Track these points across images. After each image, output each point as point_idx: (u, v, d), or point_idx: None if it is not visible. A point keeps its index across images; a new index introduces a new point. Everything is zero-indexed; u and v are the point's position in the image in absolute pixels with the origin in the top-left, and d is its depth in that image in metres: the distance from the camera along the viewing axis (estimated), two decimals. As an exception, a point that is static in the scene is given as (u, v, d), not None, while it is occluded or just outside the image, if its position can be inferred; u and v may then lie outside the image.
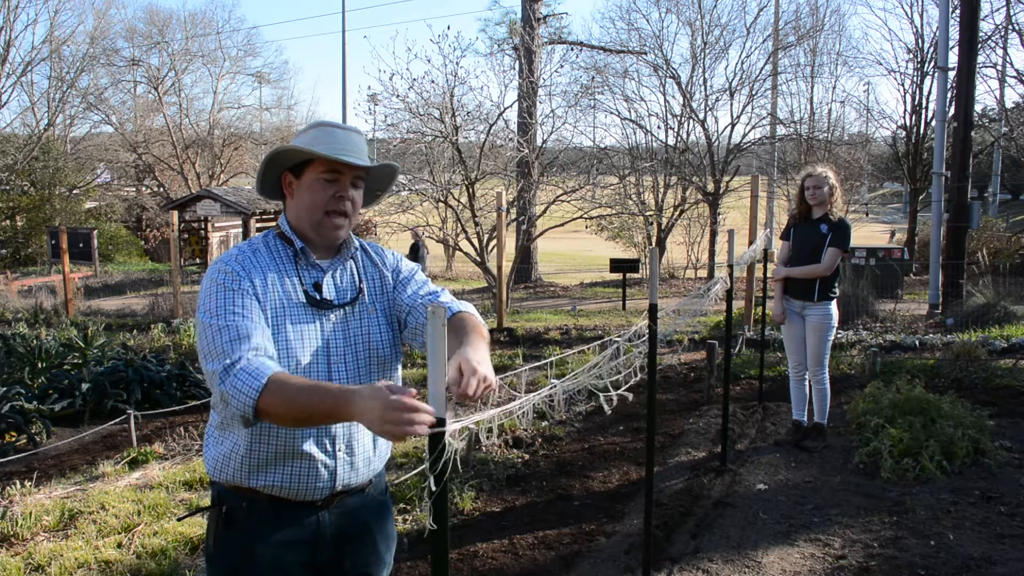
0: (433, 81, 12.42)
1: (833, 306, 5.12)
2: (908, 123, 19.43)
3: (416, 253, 13.94)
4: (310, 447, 1.79)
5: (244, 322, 1.70)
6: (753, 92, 17.53)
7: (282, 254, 1.86)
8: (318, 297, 1.84)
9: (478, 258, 12.94)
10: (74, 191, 24.27)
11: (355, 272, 1.93)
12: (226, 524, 1.84)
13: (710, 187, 16.84)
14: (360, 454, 1.88)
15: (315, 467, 1.81)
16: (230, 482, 1.83)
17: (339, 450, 1.83)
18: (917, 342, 8.38)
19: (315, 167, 1.82)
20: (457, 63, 13.55)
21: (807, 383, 5.33)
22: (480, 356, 1.63)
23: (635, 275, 15.02)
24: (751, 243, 8.08)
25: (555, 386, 2.11)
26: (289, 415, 1.60)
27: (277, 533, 1.82)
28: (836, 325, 5.22)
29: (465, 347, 1.65)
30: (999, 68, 18.55)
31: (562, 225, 13.24)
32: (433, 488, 1.50)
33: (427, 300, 1.91)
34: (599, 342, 2.57)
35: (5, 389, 6.17)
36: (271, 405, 1.58)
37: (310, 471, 1.81)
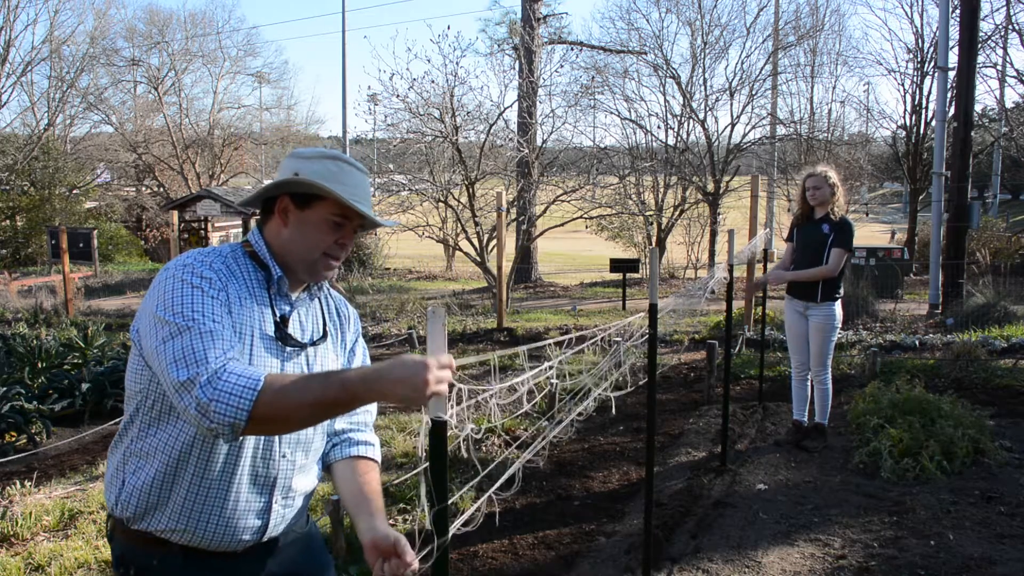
0: (433, 81, 12.46)
1: (837, 306, 5.12)
2: (908, 123, 19.45)
3: None
4: (247, 493, 1.64)
5: (224, 332, 1.50)
6: (753, 92, 17.56)
7: (252, 276, 1.66)
8: (288, 333, 1.67)
9: (478, 258, 12.95)
10: (74, 191, 24.27)
11: (321, 313, 1.80)
12: None
13: (710, 187, 16.84)
14: (296, 499, 1.75)
15: (246, 516, 1.65)
16: (139, 528, 1.63)
17: (275, 500, 1.69)
18: (917, 342, 8.38)
19: (327, 205, 1.66)
20: (457, 63, 13.59)
21: (809, 383, 5.33)
22: (385, 527, 1.61)
23: (635, 275, 15.01)
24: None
25: (554, 385, 2.11)
26: (296, 411, 1.41)
27: None
28: (839, 326, 5.21)
29: (371, 518, 1.63)
30: (999, 68, 18.58)
31: (562, 225, 13.24)
32: (433, 488, 1.50)
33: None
34: (594, 339, 2.57)
35: (5, 389, 6.17)
36: (271, 406, 1.40)
37: (239, 521, 1.64)
